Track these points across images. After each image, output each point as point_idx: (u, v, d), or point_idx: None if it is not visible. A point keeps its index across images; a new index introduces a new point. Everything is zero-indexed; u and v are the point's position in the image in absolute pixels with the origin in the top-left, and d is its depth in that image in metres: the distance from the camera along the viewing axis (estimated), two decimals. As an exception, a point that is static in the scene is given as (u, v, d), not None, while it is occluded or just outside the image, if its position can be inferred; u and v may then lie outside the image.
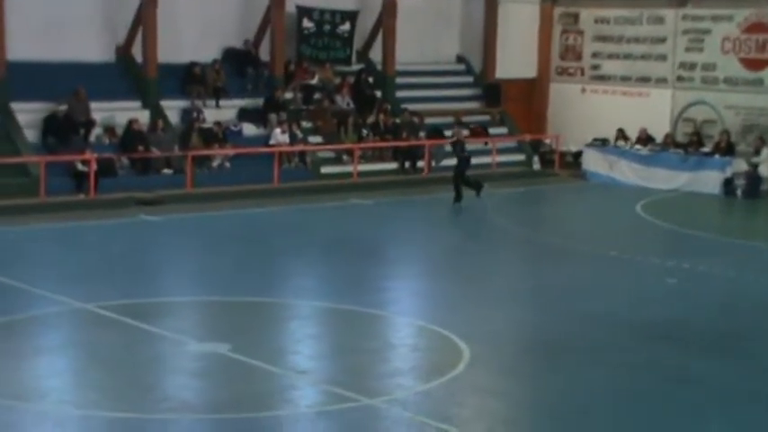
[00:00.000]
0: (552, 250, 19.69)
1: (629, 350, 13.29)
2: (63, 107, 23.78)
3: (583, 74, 31.72)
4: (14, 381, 11.52)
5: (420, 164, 28.25)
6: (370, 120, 28.36)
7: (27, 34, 24.21)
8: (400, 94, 30.13)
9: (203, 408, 10.94)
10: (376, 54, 30.16)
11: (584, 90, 31.63)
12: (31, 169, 22.89)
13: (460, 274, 17.53)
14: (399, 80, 30.27)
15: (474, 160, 29.24)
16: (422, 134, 29.01)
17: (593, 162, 29.19)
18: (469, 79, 32.11)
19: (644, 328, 14.23)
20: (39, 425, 10.37)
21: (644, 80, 30.32)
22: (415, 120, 29.16)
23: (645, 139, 28.82)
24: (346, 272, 17.40)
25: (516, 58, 31.76)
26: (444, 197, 25.04)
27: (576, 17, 31.74)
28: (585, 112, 31.09)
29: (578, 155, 30.11)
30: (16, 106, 23.84)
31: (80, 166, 23.13)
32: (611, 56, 31.10)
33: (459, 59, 32.35)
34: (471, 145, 29.78)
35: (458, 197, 23.93)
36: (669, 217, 23.70)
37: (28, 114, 23.95)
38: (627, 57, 30.71)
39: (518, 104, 31.90)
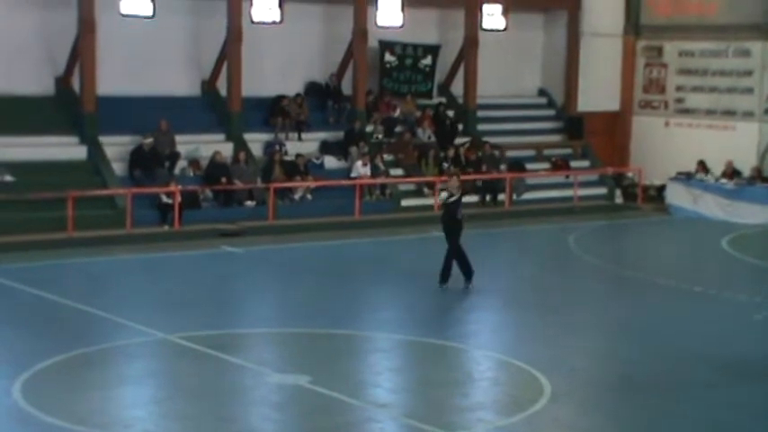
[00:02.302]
0: (636, 284, 19.41)
1: (714, 387, 13.00)
2: (149, 140, 24.22)
3: (667, 107, 31.34)
4: (100, 410, 11.67)
5: (501, 197, 28.13)
6: (451, 152, 28.35)
7: (116, 70, 24.75)
8: (482, 127, 30.09)
9: (284, 439, 10.96)
10: (458, 87, 30.20)
11: (667, 123, 31.24)
12: (117, 201, 23.31)
13: (542, 308, 17.36)
14: (481, 113, 30.23)
15: (556, 193, 29.21)
16: (503, 167, 28.91)
17: (677, 196, 28.75)
18: (551, 112, 31.95)
19: (730, 365, 13.92)
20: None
21: (730, 113, 29.84)
22: (496, 153, 29.08)
23: (731, 172, 28.32)
24: (427, 304, 17.35)
25: (599, 91, 31.53)
26: (527, 230, 24.87)
27: (659, 50, 31.43)
28: (669, 146, 30.69)
29: (662, 188, 29.70)
30: (105, 140, 24.34)
31: (165, 199, 23.49)
32: (695, 89, 30.70)
33: (541, 92, 32.23)
34: (554, 178, 29.75)
35: (446, 274, 18.31)
36: (756, 252, 23.22)
37: (116, 147, 24.44)
38: (712, 90, 30.27)
39: (600, 137, 31.61)
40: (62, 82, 24.80)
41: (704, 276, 20.15)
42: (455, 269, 18.17)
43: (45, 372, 12.86)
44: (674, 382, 13.21)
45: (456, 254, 18.03)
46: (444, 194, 18.62)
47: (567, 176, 29.84)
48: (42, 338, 14.40)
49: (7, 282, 17.96)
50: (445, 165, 28.08)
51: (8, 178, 22.59)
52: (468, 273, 18.13)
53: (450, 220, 18.14)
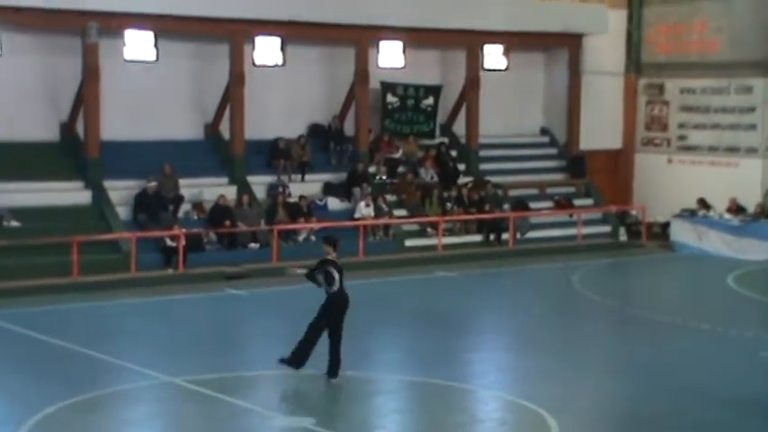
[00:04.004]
0: (642, 323, 19.36)
1: (721, 425, 12.95)
2: (153, 184, 24.31)
3: (669, 144, 31.43)
4: (104, 454, 11.64)
5: (505, 236, 28.14)
6: (454, 192, 28.43)
7: (120, 115, 24.91)
8: (484, 166, 30.17)
9: (290, 482, 10.91)
10: (460, 127, 30.32)
11: (670, 161, 31.32)
12: (122, 245, 23.34)
13: (548, 347, 17.32)
14: (483, 153, 30.32)
15: (559, 232, 29.22)
16: (506, 206, 28.95)
17: (682, 233, 28.74)
18: (554, 151, 32.03)
19: (737, 402, 13.86)
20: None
21: (733, 150, 29.92)
22: (499, 192, 29.14)
23: (735, 209, 28.34)
24: (432, 345, 17.31)
25: (601, 130, 31.63)
26: (530, 269, 24.85)
27: (660, 88, 31.57)
28: (672, 183, 30.74)
29: (666, 226, 29.69)
30: (109, 184, 24.43)
31: (169, 242, 23.53)
32: (697, 126, 30.80)
33: (543, 131, 32.33)
34: (557, 216, 29.78)
35: (334, 365, 14.75)
36: (762, 289, 23.17)
37: (120, 192, 24.53)
38: (714, 127, 30.37)
39: (603, 175, 31.69)
40: (67, 127, 24.95)
41: (711, 314, 20.10)
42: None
43: (52, 416, 12.83)
44: (680, 420, 13.15)
45: (313, 336, 14.74)
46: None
47: (571, 215, 29.87)
48: (49, 383, 14.38)
49: (13, 327, 17.96)
50: (448, 205, 28.15)
51: (13, 224, 22.66)
52: (299, 361, 14.69)
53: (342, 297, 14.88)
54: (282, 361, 14.64)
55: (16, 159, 23.66)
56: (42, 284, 21.34)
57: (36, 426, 12.42)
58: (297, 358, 14.54)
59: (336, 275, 14.59)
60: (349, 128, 28.39)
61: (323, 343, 14.64)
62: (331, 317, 14.62)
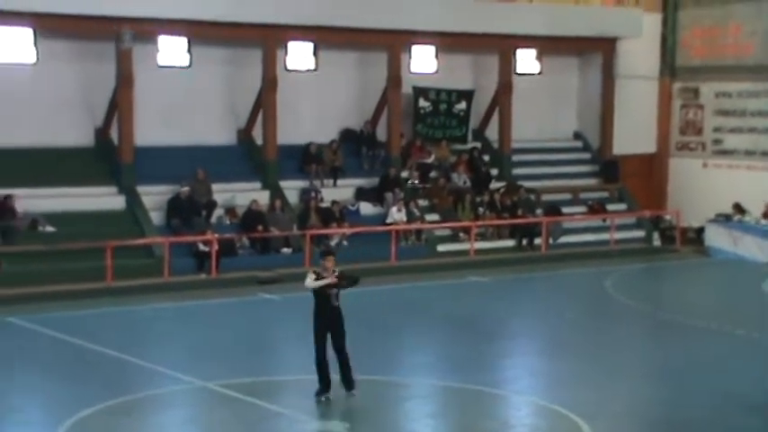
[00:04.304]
0: (676, 328, 19.21)
1: (755, 431, 12.81)
2: (186, 189, 24.42)
3: (704, 149, 31.21)
4: (138, 458, 11.70)
5: (537, 241, 28.04)
6: (487, 197, 28.36)
7: (153, 120, 25.07)
8: (517, 171, 30.08)
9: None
10: (492, 132, 30.24)
11: (705, 165, 31.09)
12: (155, 250, 23.47)
13: (581, 352, 17.22)
14: (516, 157, 30.24)
15: (592, 237, 29.07)
16: (539, 211, 28.85)
17: (717, 238, 28.52)
18: (587, 155, 31.88)
19: (774, 408, 13.73)
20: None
21: (769, 154, 29.71)
22: (532, 197, 29.04)
23: (772, 213, 28.11)
24: (464, 350, 17.26)
25: (635, 134, 31.46)
26: (563, 274, 24.73)
27: (696, 92, 31.35)
28: (707, 188, 30.51)
29: (701, 231, 29.48)
30: (142, 189, 24.59)
31: (202, 247, 23.64)
32: (733, 130, 30.57)
33: (577, 136, 32.20)
34: (590, 221, 29.62)
35: (325, 383, 14.09)
36: (798, 293, 22.95)
37: (153, 197, 24.67)
38: (751, 131, 30.13)
39: (637, 180, 31.50)
40: (101, 133, 25.13)
41: (745, 319, 19.91)
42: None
43: (87, 420, 12.91)
44: (714, 426, 13.04)
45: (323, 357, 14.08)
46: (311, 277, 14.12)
47: (604, 220, 29.71)
48: (83, 387, 14.47)
49: (48, 331, 18.09)
50: (481, 209, 28.09)
51: (48, 229, 22.84)
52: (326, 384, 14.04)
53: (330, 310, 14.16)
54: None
55: (51, 165, 23.86)
56: (76, 289, 21.48)
57: (71, 429, 12.50)
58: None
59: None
60: (381, 133, 28.40)
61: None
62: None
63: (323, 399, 13.75)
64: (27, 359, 16.41)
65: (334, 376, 13.96)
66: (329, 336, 13.97)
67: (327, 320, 14.01)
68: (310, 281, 13.89)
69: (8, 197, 22.58)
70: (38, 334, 18.05)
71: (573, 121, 32.11)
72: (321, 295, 13.96)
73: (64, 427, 12.50)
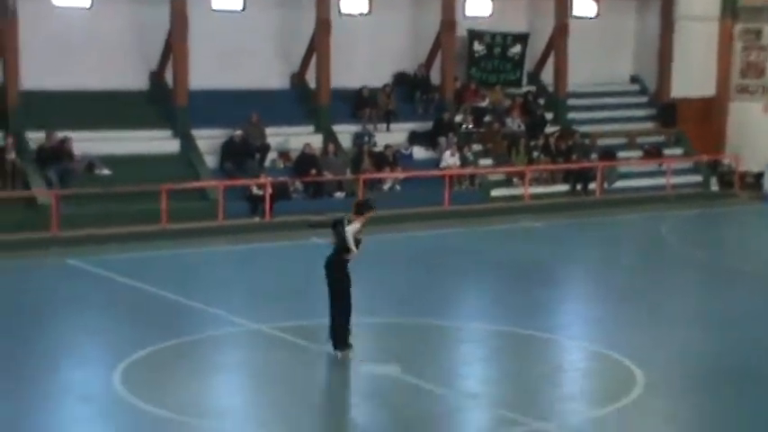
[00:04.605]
0: (731, 274, 19.02)
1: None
2: (239, 133, 24.50)
3: (765, 92, 30.61)
4: (195, 399, 11.86)
5: (592, 186, 27.82)
6: (541, 142, 28.14)
7: (207, 64, 25.08)
8: (572, 115, 29.78)
9: (375, 429, 10.99)
10: (548, 75, 29.92)
11: (766, 108, 30.51)
12: (209, 193, 23.63)
13: (635, 298, 17.11)
14: (571, 101, 29.92)
15: (648, 182, 28.76)
16: (594, 156, 28.58)
17: (776, 183, 28.11)
18: (644, 99, 31.46)
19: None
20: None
21: (831, 97, 29.11)
22: (587, 141, 28.76)
23: (831, 158, 27.61)
24: (517, 295, 17.24)
25: (693, 77, 30.94)
26: (618, 219, 24.53)
27: (758, 33, 30.69)
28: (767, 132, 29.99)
29: (759, 176, 29.04)
30: (197, 133, 24.70)
31: (255, 190, 23.75)
32: (795, 72, 30.00)
33: (634, 79, 31.75)
34: (646, 166, 29.31)
35: (341, 340, 13.24)
36: None
37: (207, 141, 24.78)
38: (814, 72, 29.55)
39: (695, 124, 31.02)
40: (156, 76, 25.23)
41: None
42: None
43: (143, 360, 13.11)
44: (770, 374, 12.93)
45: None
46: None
47: (660, 164, 29.38)
48: (139, 328, 14.68)
49: (105, 273, 18.35)
50: (535, 154, 27.90)
51: (104, 172, 23.05)
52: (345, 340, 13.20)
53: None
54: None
55: (106, 108, 24.02)
56: (132, 232, 21.74)
57: (128, 369, 12.70)
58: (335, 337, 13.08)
59: (332, 237, 13.23)
60: (435, 76, 28.22)
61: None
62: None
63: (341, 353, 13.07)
64: (84, 300, 16.67)
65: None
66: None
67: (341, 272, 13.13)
68: (355, 231, 13.07)
69: (65, 140, 22.81)
70: (95, 276, 18.31)
71: (629, 64, 31.65)
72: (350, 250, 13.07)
73: (121, 368, 12.70)
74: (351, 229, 12.99)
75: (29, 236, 20.91)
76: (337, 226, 13.02)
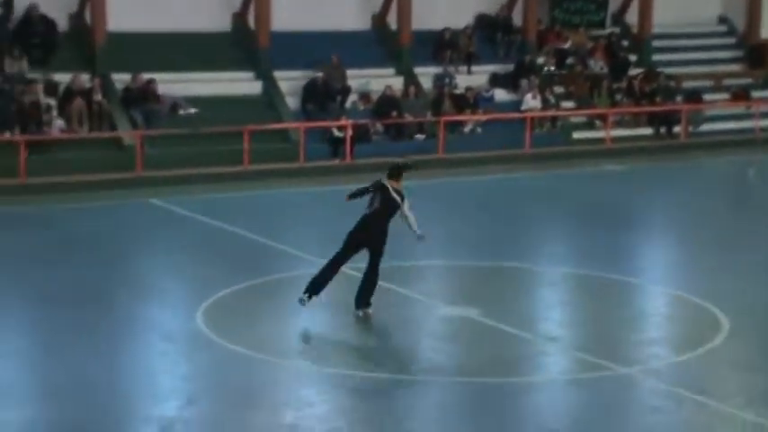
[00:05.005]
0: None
1: None
2: (320, 75, 24.51)
3: None
4: (276, 338, 12.03)
5: (676, 129, 27.34)
6: (624, 84, 27.70)
7: (290, 5, 25.07)
8: (657, 57, 29.21)
9: (454, 371, 11.04)
10: (632, 16, 29.34)
11: None
12: (291, 135, 23.74)
13: (720, 243, 16.84)
14: (656, 43, 29.34)
15: (735, 125, 28.17)
16: (678, 98, 28.05)
17: None
18: (732, 40, 30.71)
19: None
20: (300, 382, 10.78)
21: None
22: (672, 83, 28.21)
23: None
24: (598, 238, 17.09)
25: (784, 17, 30.10)
26: (703, 163, 24.13)
27: None
28: None
29: None
30: (278, 74, 24.76)
31: (336, 132, 23.80)
32: None
33: (721, 20, 30.98)
34: (733, 109, 28.67)
35: (368, 299, 12.78)
36: None
37: (289, 82, 24.85)
38: None
39: (784, 66, 30.24)
40: (238, 18, 25.30)
41: None
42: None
43: (225, 299, 13.31)
44: None
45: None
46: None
47: (748, 107, 28.72)
48: (220, 268, 14.89)
49: (188, 213, 18.62)
50: (618, 96, 27.47)
51: (190, 111, 23.24)
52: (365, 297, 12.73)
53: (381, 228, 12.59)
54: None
55: (190, 50, 24.17)
56: (214, 172, 21.99)
57: (210, 308, 12.91)
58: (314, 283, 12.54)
59: (377, 201, 12.46)
60: (517, 18, 27.87)
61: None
62: (348, 242, 12.60)
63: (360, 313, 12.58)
64: (167, 240, 16.96)
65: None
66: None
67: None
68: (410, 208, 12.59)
69: (151, 81, 23.05)
70: (177, 215, 18.58)
71: (717, 4, 30.89)
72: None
73: (202, 308, 12.91)
74: (410, 213, 12.59)
75: (114, 176, 21.29)
76: (381, 192, 12.37)
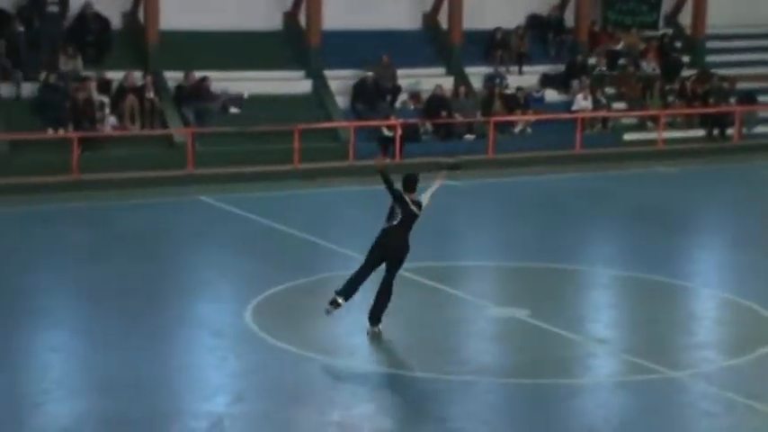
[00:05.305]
0: None
1: None
2: (371, 74, 24.54)
3: None
4: (325, 337, 12.05)
5: (729, 131, 27.03)
6: (677, 85, 27.45)
7: (341, 4, 25.13)
8: (710, 58, 28.90)
9: (502, 372, 11.01)
10: (685, 17, 29.06)
11: None
12: (340, 134, 23.80)
13: (773, 247, 16.65)
14: (710, 44, 29.03)
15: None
16: (732, 100, 27.74)
17: None
18: (788, 41, 30.35)
19: None
20: (347, 381, 10.80)
21: None
22: (725, 85, 27.90)
23: None
24: (649, 241, 16.95)
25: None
26: (757, 165, 23.83)
27: None
28: None
29: None
30: (329, 74, 24.84)
31: (386, 132, 23.81)
32: None
33: (776, 21, 30.62)
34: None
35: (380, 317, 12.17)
36: None
37: (339, 81, 24.91)
38: None
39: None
40: (289, 17, 25.41)
41: None
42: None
43: (274, 297, 13.38)
44: None
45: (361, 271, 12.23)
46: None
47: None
48: (270, 266, 14.96)
49: (238, 211, 18.73)
50: (670, 98, 27.24)
51: (236, 110, 23.37)
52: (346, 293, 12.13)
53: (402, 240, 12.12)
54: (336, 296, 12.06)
55: (241, 48, 24.32)
56: (265, 171, 22.08)
57: (259, 305, 12.98)
58: (345, 290, 12.08)
59: (399, 214, 12.00)
60: (568, 18, 27.73)
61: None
62: (371, 256, 12.08)
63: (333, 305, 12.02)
64: (216, 237, 17.07)
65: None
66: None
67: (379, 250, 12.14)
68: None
69: (204, 79, 23.22)
70: (227, 213, 18.71)
71: (774, 4, 30.51)
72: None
73: (253, 304, 12.99)
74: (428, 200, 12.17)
75: (165, 173, 21.47)
76: (401, 204, 11.96)
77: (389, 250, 12.04)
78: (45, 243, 16.36)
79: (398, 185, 11.98)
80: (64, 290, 14.11)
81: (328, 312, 11.96)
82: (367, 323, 12.02)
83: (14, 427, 9.45)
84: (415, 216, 12.05)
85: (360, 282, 12.08)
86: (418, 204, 12.07)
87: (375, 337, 11.92)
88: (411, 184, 12.08)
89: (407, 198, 12.03)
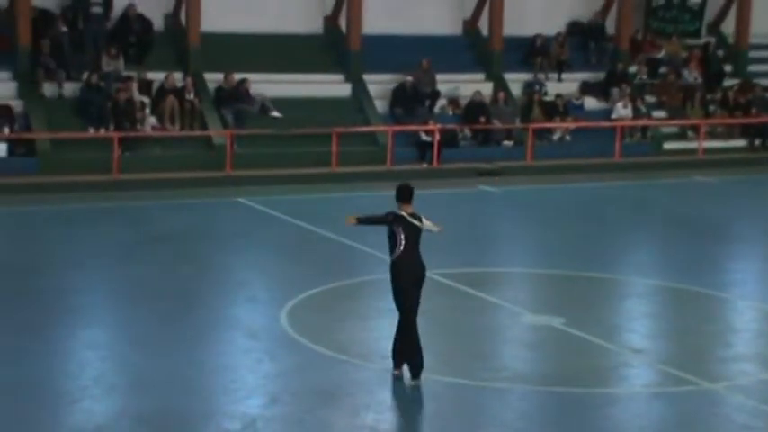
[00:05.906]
0: None
1: None
2: (410, 79, 24.56)
3: None
4: (359, 340, 12.08)
5: (771, 142, 26.82)
6: (719, 95, 27.23)
7: (381, 9, 25.19)
8: (753, 68, 28.66)
9: (537, 379, 10.96)
10: (728, 26, 28.83)
11: None
12: (379, 138, 23.83)
13: (813, 260, 16.47)
14: (753, 54, 28.78)
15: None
16: (775, 111, 27.51)
17: None
18: (831, 52, 30.00)
19: None
20: (381, 385, 10.80)
21: None
22: (768, 95, 27.69)
23: None
24: (687, 251, 16.83)
25: None
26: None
27: None
28: None
29: None
30: (368, 78, 24.88)
31: (424, 136, 23.81)
32: None
33: (821, 31, 30.29)
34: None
35: (416, 362, 10.76)
36: None
37: (378, 86, 24.95)
38: None
39: None
40: (330, 21, 25.48)
41: None
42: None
43: (309, 300, 13.41)
44: None
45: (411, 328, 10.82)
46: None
47: None
48: (307, 268, 15.01)
49: (276, 213, 18.80)
50: (711, 107, 27.04)
51: (276, 114, 23.47)
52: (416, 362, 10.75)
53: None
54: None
55: (281, 51, 24.44)
56: (302, 173, 22.17)
57: (295, 308, 13.02)
58: (409, 359, 10.74)
59: (402, 237, 10.90)
60: (610, 26, 27.61)
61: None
62: (397, 290, 10.85)
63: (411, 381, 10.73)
64: (254, 238, 17.14)
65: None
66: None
67: (404, 280, 10.87)
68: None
69: (243, 81, 23.34)
70: (265, 215, 18.78)
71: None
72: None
73: (288, 306, 13.03)
74: (427, 223, 11.19)
75: (204, 174, 21.61)
76: (402, 224, 10.89)
77: (412, 279, 10.77)
78: (84, 242, 16.52)
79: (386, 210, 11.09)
80: (102, 288, 14.23)
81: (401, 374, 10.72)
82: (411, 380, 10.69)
83: (52, 422, 9.55)
84: (419, 230, 10.91)
85: (415, 337, 10.67)
86: (418, 217, 10.98)
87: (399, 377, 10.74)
88: (407, 194, 11.04)
89: (404, 213, 10.91)
